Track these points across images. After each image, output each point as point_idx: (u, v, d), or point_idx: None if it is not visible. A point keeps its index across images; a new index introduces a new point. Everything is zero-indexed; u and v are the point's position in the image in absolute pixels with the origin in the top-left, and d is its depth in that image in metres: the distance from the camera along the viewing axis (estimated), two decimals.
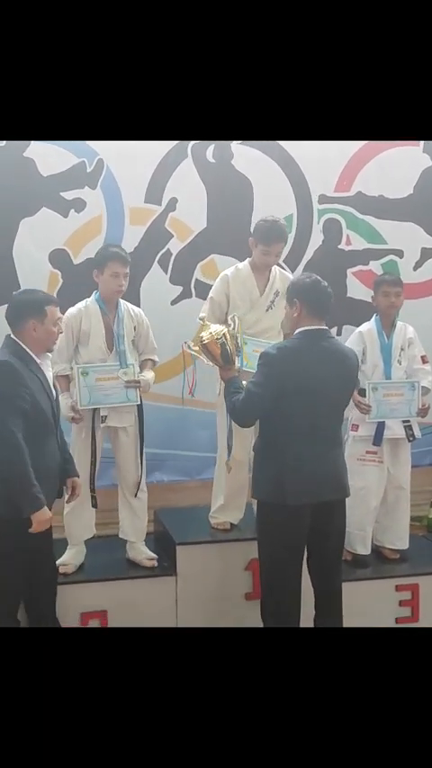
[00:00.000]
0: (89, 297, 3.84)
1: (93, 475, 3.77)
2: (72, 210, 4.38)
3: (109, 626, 3.69)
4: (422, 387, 4.09)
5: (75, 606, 3.62)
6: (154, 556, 3.91)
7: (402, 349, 4.14)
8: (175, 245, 4.59)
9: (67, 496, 3.50)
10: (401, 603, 4.03)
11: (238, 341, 3.52)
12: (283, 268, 4.54)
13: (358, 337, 4.13)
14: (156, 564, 3.89)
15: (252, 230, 3.98)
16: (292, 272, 4.70)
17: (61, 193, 4.36)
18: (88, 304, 3.78)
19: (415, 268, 4.96)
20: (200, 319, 3.52)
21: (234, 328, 3.48)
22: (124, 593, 3.76)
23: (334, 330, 3.70)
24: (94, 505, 3.82)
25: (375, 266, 4.88)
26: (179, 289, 4.61)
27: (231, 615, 3.78)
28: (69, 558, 3.80)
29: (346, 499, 3.35)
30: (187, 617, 3.80)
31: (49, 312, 3.13)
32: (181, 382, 4.55)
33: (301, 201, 4.76)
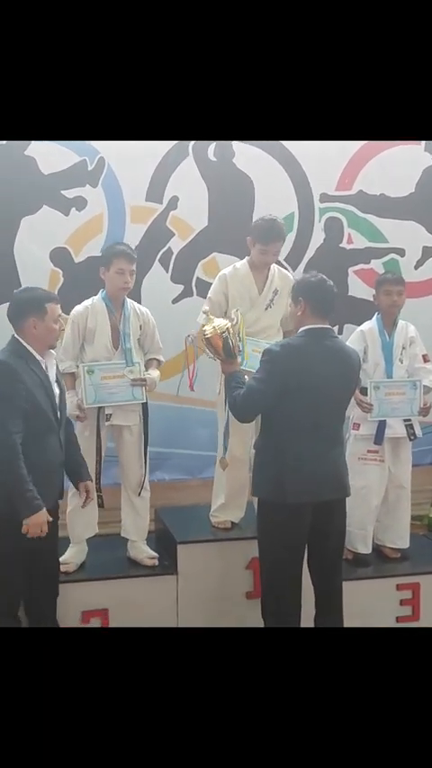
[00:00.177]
0: (90, 295, 3.84)
1: (98, 474, 3.78)
2: (73, 209, 4.38)
3: (110, 625, 3.69)
4: (424, 386, 4.09)
5: (76, 605, 3.62)
6: (155, 555, 3.91)
7: (404, 348, 4.13)
8: (176, 244, 4.59)
9: (71, 496, 3.51)
10: (402, 602, 4.03)
11: (240, 335, 3.52)
12: (284, 267, 4.54)
13: (360, 336, 4.13)
14: (156, 563, 3.89)
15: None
16: (294, 270, 4.70)
17: (62, 192, 4.36)
18: (95, 302, 3.78)
19: (416, 267, 4.96)
20: (204, 312, 3.52)
21: (237, 323, 3.48)
22: (125, 591, 3.76)
23: (335, 329, 3.70)
24: (101, 505, 3.82)
25: (377, 265, 4.88)
26: (180, 287, 4.61)
27: (232, 614, 3.78)
28: (71, 557, 3.80)
29: (347, 498, 3.35)
30: (188, 616, 3.80)
31: (49, 309, 3.13)
32: (183, 380, 4.54)
33: (302, 200, 4.76)
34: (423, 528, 4.87)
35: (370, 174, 4.83)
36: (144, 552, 3.91)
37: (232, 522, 4.05)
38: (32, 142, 4.21)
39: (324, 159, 4.73)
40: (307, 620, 3.31)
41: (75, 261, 4.40)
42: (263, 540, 3.26)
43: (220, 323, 3.36)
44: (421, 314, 4.63)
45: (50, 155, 4.29)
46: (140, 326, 3.85)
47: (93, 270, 4.01)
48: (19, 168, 4.25)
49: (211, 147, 4.56)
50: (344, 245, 4.87)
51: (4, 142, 4.15)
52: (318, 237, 4.81)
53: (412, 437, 4.14)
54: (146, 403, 3.84)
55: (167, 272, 4.59)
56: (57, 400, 3.19)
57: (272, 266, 3.96)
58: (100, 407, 3.74)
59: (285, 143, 4.64)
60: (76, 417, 3.65)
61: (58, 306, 3.20)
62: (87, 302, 3.80)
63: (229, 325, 3.36)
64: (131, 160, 4.41)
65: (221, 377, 3.85)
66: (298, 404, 3.09)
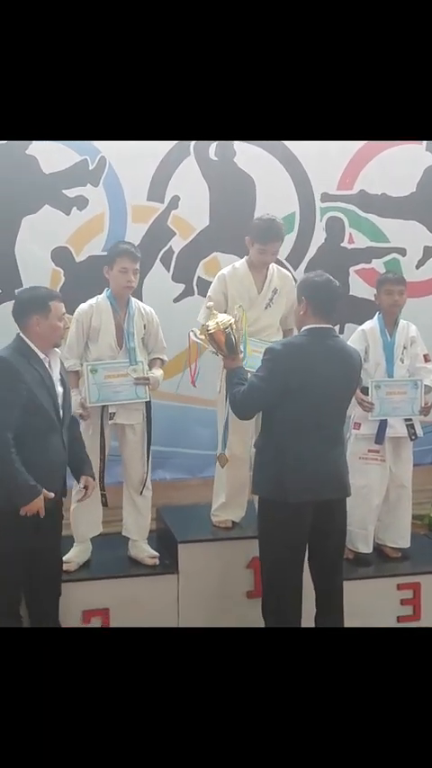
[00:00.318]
0: (91, 294, 3.84)
1: (102, 472, 3.78)
2: (74, 208, 4.38)
3: (111, 624, 3.70)
4: (425, 385, 4.09)
5: (77, 604, 3.63)
6: (156, 554, 3.92)
7: (405, 347, 4.13)
8: (177, 243, 4.59)
9: (74, 494, 3.52)
10: (403, 602, 4.03)
11: (243, 331, 3.53)
12: (285, 266, 4.55)
13: (361, 335, 4.13)
14: (157, 562, 3.89)
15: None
16: (295, 270, 4.70)
17: (63, 191, 4.36)
18: (99, 301, 3.79)
19: (417, 266, 4.95)
20: (207, 308, 3.53)
21: (239, 319, 3.48)
22: (126, 591, 3.76)
23: (336, 328, 3.70)
24: (105, 504, 3.82)
25: (378, 264, 4.88)
26: (181, 287, 4.61)
27: (233, 613, 3.78)
28: (73, 556, 3.80)
29: (348, 498, 3.35)
30: (189, 615, 3.80)
31: (52, 307, 3.15)
32: (184, 380, 4.54)
33: (303, 199, 4.75)
34: (424, 527, 4.87)
35: (371, 173, 4.82)
36: (145, 551, 3.92)
37: (233, 522, 4.05)
38: (34, 141, 4.21)
39: (325, 159, 4.72)
40: (308, 619, 3.31)
41: (76, 260, 4.40)
42: (263, 539, 3.26)
43: (224, 318, 3.37)
44: (422, 313, 4.62)
45: (52, 154, 4.29)
46: (144, 326, 3.86)
47: (94, 269, 4.01)
48: (20, 167, 4.25)
49: (213, 146, 4.56)
50: (345, 244, 4.86)
51: (5, 141, 4.15)
52: (319, 237, 4.81)
53: (413, 437, 4.14)
54: (149, 402, 3.85)
55: (169, 271, 4.59)
56: (60, 399, 3.19)
57: (271, 265, 3.95)
58: (103, 406, 3.74)
59: (287, 143, 4.63)
60: (79, 416, 3.65)
61: (62, 304, 3.22)
62: (92, 301, 3.80)
63: (233, 320, 3.36)
64: (133, 159, 4.41)
65: (222, 375, 3.86)
66: (299, 403, 3.09)
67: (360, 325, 4.24)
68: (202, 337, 3.41)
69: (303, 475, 3.10)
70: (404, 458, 4.20)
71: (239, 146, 4.59)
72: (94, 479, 3.47)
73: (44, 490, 3.05)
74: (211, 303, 3.61)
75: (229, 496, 4.03)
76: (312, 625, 3.34)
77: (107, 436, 3.81)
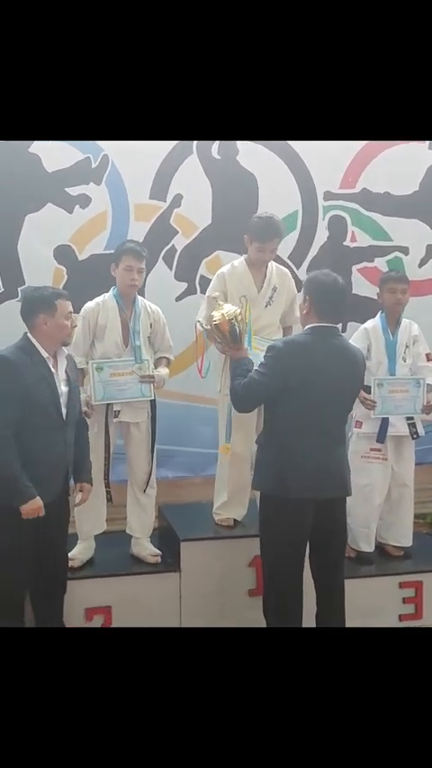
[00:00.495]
0: (94, 293, 3.85)
1: (106, 470, 3.79)
2: (77, 206, 4.38)
3: (113, 622, 3.71)
4: (427, 384, 4.09)
5: (79, 601, 3.64)
6: (158, 552, 3.93)
7: (407, 346, 4.14)
8: (179, 242, 4.59)
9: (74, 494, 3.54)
10: (405, 601, 4.04)
11: (247, 321, 3.54)
12: (287, 265, 4.55)
13: (363, 334, 4.13)
14: (159, 560, 3.90)
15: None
16: (297, 268, 4.70)
17: (66, 189, 4.36)
18: (106, 299, 3.80)
19: (420, 265, 4.96)
20: (213, 298, 3.53)
21: (243, 310, 3.50)
22: (128, 588, 3.77)
23: (339, 327, 3.71)
24: (110, 500, 3.84)
25: (380, 263, 4.88)
26: (184, 285, 4.61)
27: (234, 611, 3.79)
28: (78, 553, 3.81)
29: (350, 497, 3.35)
30: (190, 613, 3.81)
31: (59, 306, 3.16)
32: (187, 378, 4.56)
33: (306, 198, 4.76)
34: (426, 526, 4.88)
35: (374, 172, 4.83)
36: (147, 549, 3.93)
37: (235, 520, 4.05)
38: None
39: (328, 157, 4.72)
40: (309, 618, 3.31)
41: (78, 258, 4.40)
42: (265, 536, 3.27)
43: (230, 309, 3.38)
44: (425, 312, 4.63)
45: (54, 152, 4.29)
46: (151, 324, 3.86)
47: (97, 267, 4.02)
48: (23, 165, 4.26)
49: (215, 145, 4.56)
50: (348, 243, 4.86)
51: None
52: (321, 235, 4.81)
53: (415, 436, 4.14)
54: (154, 400, 3.86)
55: (171, 269, 4.60)
56: (64, 398, 3.19)
57: (270, 263, 3.95)
58: (108, 404, 3.75)
59: (290, 142, 4.63)
60: (84, 413, 3.65)
61: (69, 303, 3.23)
62: (99, 299, 3.81)
63: (238, 311, 3.38)
64: (135, 158, 4.41)
65: (222, 375, 3.87)
66: (300, 401, 3.09)
67: (362, 323, 4.24)
68: (208, 328, 3.43)
69: (305, 472, 3.10)
70: (406, 457, 4.20)
71: (242, 144, 4.59)
72: (91, 484, 3.47)
73: (38, 497, 3.07)
74: (218, 293, 3.60)
75: (231, 495, 4.03)
76: (314, 624, 3.35)
77: (112, 434, 3.82)
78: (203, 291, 4.47)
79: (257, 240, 3.81)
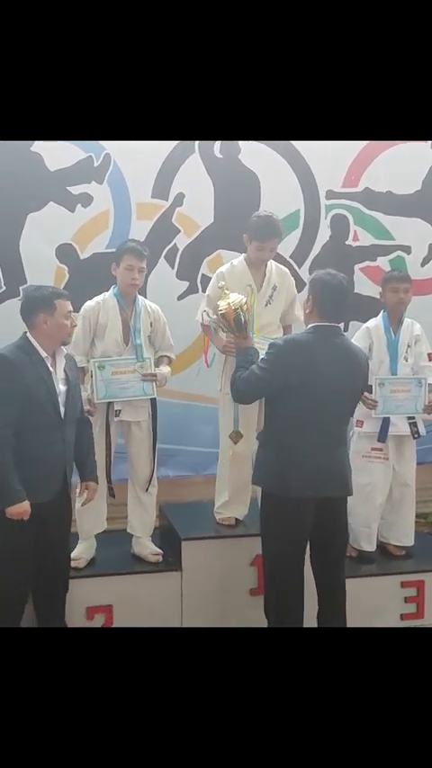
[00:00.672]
0: (95, 292, 3.85)
1: (108, 468, 3.81)
2: (79, 205, 4.38)
3: (114, 621, 3.72)
4: (429, 384, 4.08)
5: (80, 600, 3.64)
6: (159, 551, 3.93)
7: (409, 346, 4.13)
8: (181, 241, 4.59)
9: (79, 492, 3.54)
10: (407, 600, 4.05)
11: (252, 311, 3.56)
12: (289, 264, 4.54)
13: (365, 333, 4.13)
14: (161, 559, 3.91)
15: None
16: (299, 267, 4.70)
17: (68, 188, 4.36)
18: (106, 298, 3.80)
19: (423, 264, 4.95)
20: (219, 287, 3.53)
21: (249, 299, 3.51)
22: (130, 588, 3.78)
23: (341, 326, 3.71)
24: (112, 495, 3.86)
25: (383, 262, 4.88)
26: (186, 284, 4.61)
27: (236, 611, 3.80)
28: (81, 553, 3.82)
29: (352, 496, 3.35)
30: (192, 612, 3.81)
31: (58, 305, 3.17)
32: (188, 377, 4.57)
33: (308, 197, 4.75)
34: (428, 526, 4.88)
35: (376, 171, 4.82)
36: (148, 548, 3.93)
37: (236, 519, 4.05)
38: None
39: (330, 156, 4.72)
40: (310, 618, 3.32)
41: (80, 257, 4.40)
42: (265, 534, 3.28)
43: (236, 298, 3.39)
44: (427, 311, 4.62)
45: (56, 151, 4.29)
46: (151, 323, 3.86)
47: (98, 266, 4.02)
48: (25, 164, 4.26)
49: (217, 144, 4.56)
50: (350, 242, 4.86)
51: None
52: (324, 234, 4.81)
53: (416, 435, 4.14)
54: (154, 399, 3.86)
55: (173, 268, 4.60)
56: (62, 397, 3.20)
57: (269, 263, 3.95)
58: (109, 403, 3.75)
59: (292, 141, 4.63)
60: (86, 412, 3.65)
61: (69, 302, 3.23)
62: (99, 298, 3.82)
63: (244, 300, 3.40)
64: (137, 157, 4.41)
65: (223, 374, 3.88)
66: (301, 400, 3.10)
67: (365, 322, 4.24)
68: (215, 317, 3.45)
69: (305, 471, 3.11)
70: (407, 456, 4.20)
71: (244, 143, 4.59)
72: (96, 483, 3.48)
73: (26, 501, 3.08)
74: (223, 283, 3.60)
75: (233, 494, 4.04)
76: (315, 623, 3.35)
77: (113, 433, 3.83)
78: (205, 290, 4.47)
79: (256, 239, 3.81)
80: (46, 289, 3.27)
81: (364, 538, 4.15)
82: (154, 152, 4.45)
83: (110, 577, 3.79)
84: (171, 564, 3.88)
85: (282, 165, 4.67)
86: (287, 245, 4.71)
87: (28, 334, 3.19)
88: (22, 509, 3.07)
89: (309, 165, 4.71)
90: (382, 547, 4.27)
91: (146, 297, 4.21)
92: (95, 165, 4.38)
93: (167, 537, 4.12)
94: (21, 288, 4.21)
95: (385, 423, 4.06)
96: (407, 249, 4.93)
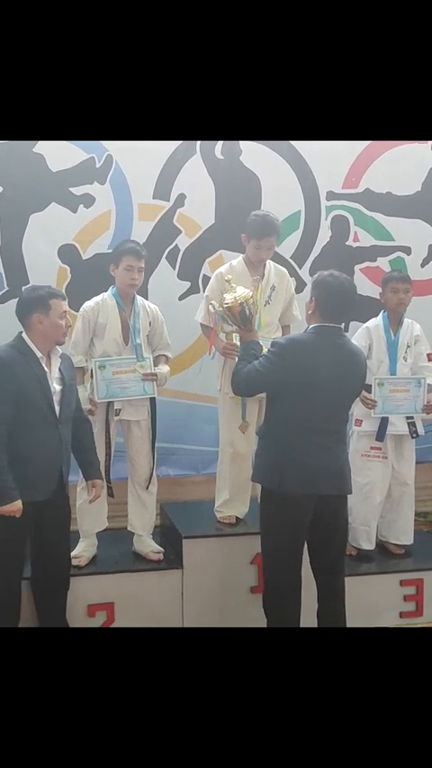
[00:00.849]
0: (97, 292, 3.87)
1: (108, 467, 3.83)
2: (81, 206, 4.41)
3: (115, 618, 3.73)
4: (428, 384, 4.10)
5: (82, 598, 3.66)
6: (160, 549, 3.95)
7: (408, 346, 4.15)
8: (183, 241, 4.62)
9: (79, 491, 3.57)
10: (406, 598, 4.06)
11: (257, 305, 3.60)
12: (290, 265, 4.57)
13: (365, 333, 4.15)
14: (162, 557, 3.92)
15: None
16: (300, 268, 4.72)
17: (70, 189, 4.39)
18: (105, 298, 3.82)
19: (422, 265, 4.98)
20: (226, 281, 3.56)
21: (255, 293, 3.54)
22: (131, 585, 3.79)
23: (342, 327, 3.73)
24: (111, 494, 3.88)
25: (383, 263, 4.90)
26: (187, 284, 4.64)
27: (236, 608, 3.81)
28: (82, 551, 3.84)
29: (351, 495, 3.37)
30: (193, 610, 3.83)
31: (53, 305, 3.18)
32: (188, 377, 4.60)
33: (308, 198, 4.78)
34: (427, 524, 4.90)
35: (376, 172, 4.85)
36: (150, 546, 3.95)
37: (237, 518, 4.07)
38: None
39: (331, 157, 4.75)
40: (310, 616, 3.34)
41: (82, 257, 4.43)
42: (264, 530, 3.29)
43: (242, 292, 3.42)
44: (426, 312, 4.64)
45: (59, 152, 4.33)
46: (150, 323, 3.88)
47: (100, 266, 4.04)
48: (28, 165, 4.29)
49: (219, 145, 4.59)
50: (350, 243, 4.89)
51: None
52: (324, 235, 4.83)
53: (414, 435, 4.16)
54: (154, 398, 3.88)
55: (174, 268, 4.62)
56: (57, 396, 3.22)
57: (268, 263, 3.97)
58: (109, 402, 3.78)
59: (292, 142, 4.66)
60: (87, 411, 3.68)
61: (64, 302, 3.25)
62: (98, 298, 3.83)
63: (250, 294, 3.43)
64: (139, 158, 4.44)
65: (222, 374, 3.90)
66: (300, 398, 3.12)
67: (364, 323, 4.25)
68: (220, 309, 3.48)
69: (302, 468, 3.13)
70: (406, 456, 4.22)
71: (245, 144, 4.62)
72: (102, 480, 3.52)
73: (19, 500, 3.10)
74: (230, 276, 3.63)
75: (233, 493, 4.05)
76: (315, 621, 3.37)
77: (113, 432, 3.85)
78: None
79: (254, 237, 3.84)
80: (42, 289, 3.28)
81: (363, 536, 4.18)
82: (156, 153, 4.48)
83: (111, 575, 3.80)
84: (172, 562, 3.90)
85: (283, 167, 4.70)
86: (288, 246, 4.74)
87: (23, 334, 3.21)
88: (14, 507, 3.10)
89: (309, 166, 4.74)
90: (382, 545, 4.29)
91: (147, 297, 4.24)
92: (97, 165, 4.41)
93: (168, 535, 4.13)
94: (23, 288, 4.24)
95: (383, 422, 4.08)
96: (407, 250, 4.95)
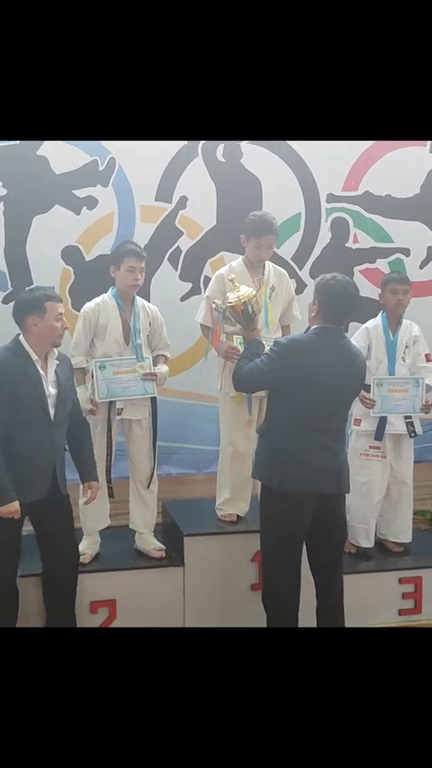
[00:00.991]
0: (101, 293, 3.90)
1: (108, 466, 3.86)
2: (84, 208, 4.45)
3: (117, 615, 3.76)
4: (426, 384, 4.13)
5: (84, 595, 3.68)
6: (162, 546, 3.98)
7: (407, 346, 4.18)
8: (184, 243, 4.65)
9: (82, 489, 3.61)
10: (405, 596, 4.09)
11: (260, 304, 3.63)
12: (290, 266, 4.60)
13: (364, 333, 4.18)
14: (164, 554, 3.95)
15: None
16: (300, 269, 4.76)
17: (74, 191, 4.43)
18: (105, 299, 3.85)
19: (421, 266, 5.02)
20: (229, 280, 3.60)
21: (258, 292, 3.57)
22: (133, 582, 3.82)
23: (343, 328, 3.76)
24: (111, 495, 3.91)
25: (382, 264, 4.94)
26: (189, 285, 4.67)
27: (237, 605, 3.84)
28: (85, 548, 3.87)
29: (350, 494, 3.41)
30: (194, 607, 3.86)
31: (48, 308, 3.19)
32: (190, 376, 4.63)
33: (309, 200, 4.82)
34: (426, 523, 4.92)
35: (376, 175, 4.88)
36: (151, 544, 3.98)
37: (237, 516, 4.09)
38: (45, 143, 4.29)
39: (331, 160, 4.79)
40: (310, 614, 3.38)
41: (86, 259, 4.46)
42: (263, 528, 3.33)
43: (246, 291, 3.45)
44: (425, 313, 4.67)
45: (62, 155, 4.37)
46: (150, 323, 3.92)
47: (103, 268, 4.07)
48: (32, 168, 4.33)
49: (220, 148, 4.63)
50: (350, 244, 4.92)
51: (18, 143, 4.23)
52: (324, 237, 4.87)
53: (412, 434, 4.19)
54: (155, 397, 3.92)
55: (176, 270, 4.66)
56: (53, 399, 3.24)
57: (267, 264, 3.99)
58: (111, 402, 3.81)
59: (293, 144, 4.70)
60: (89, 411, 3.72)
61: (60, 305, 3.26)
62: (98, 299, 3.86)
63: (253, 293, 3.47)
64: (141, 160, 4.48)
65: (222, 374, 3.94)
66: (300, 397, 3.16)
67: (364, 323, 4.26)
68: (224, 308, 3.52)
69: (301, 466, 3.16)
70: (405, 455, 4.25)
71: (246, 147, 4.66)
72: (98, 482, 3.54)
73: (16, 501, 3.14)
74: (234, 275, 3.67)
75: (234, 491, 4.08)
76: (314, 618, 3.40)
77: (114, 431, 3.88)
78: None
79: (253, 237, 3.87)
80: (38, 291, 3.30)
81: (362, 535, 4.21)
82: (158, 156, 4.52)
83: (113, 572, 3.83)
84: (174, 559, 3.92)
85: (283, 169, 4.74)
86: (288, 248, 4.78)
87: (20, 336, 3.23)
88: (12, 509, 3.13)
89: (310, 168, 4.78)
90: (381, 543, 4.32)
91: (149, 298, 4.28)
92: (100, 168, 4.45)
93: (170, 533, 4.16)
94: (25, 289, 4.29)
95: (382, 421, 4.11)
96: (406, 252, 4.99)
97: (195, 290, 4.66)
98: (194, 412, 4.68)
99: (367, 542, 4.22)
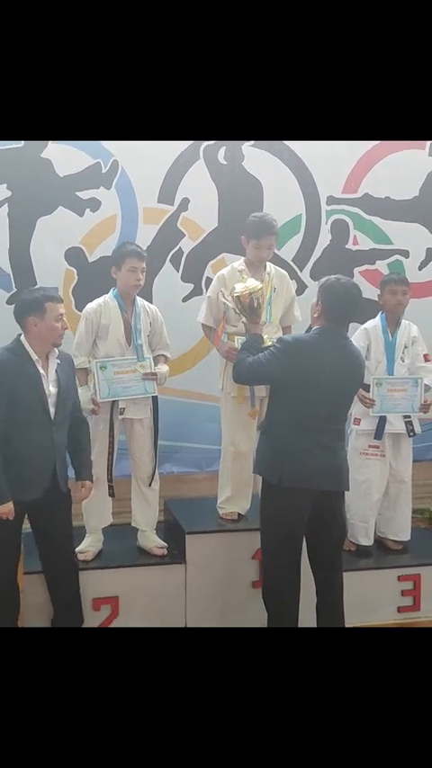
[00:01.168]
0: (104, 293, 3.94)
1: (110, 465, 3.89)
2: (87, 210, 4.48)
3: (120, 612, 3.79)
4: (425, 384, 4.16)
5: (87, 592, 3.71)
6: (164, 544, 4.01)
7: (406, 347, 4.20)
8: (186, 244, 4.68)
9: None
10: (404, 593, 4.12)
11: (266, 297, 3.68)
12: (291, 267, 4.64)
13: (363, 334, 4.21)
14: (166, 552, 3.98)
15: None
16: (300, 271, 4.79)
17: (77, 193, 4.46)
18: (107, 300, 3.88)
19: (420, 268, 5.04)
20: (239, 271, 3.64)
21: (265, 286, 3.62)
22: (135, 579, 3.85)
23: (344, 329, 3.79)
24: (112, 495, 3.94)
25: (381, 266, 4.97)
26: (190, 286, 4.70)
27: (238, 603, 3.88)
28: (88, 546, 3.91)
29: (349, 492, 3.45)
30: (195, 604, 3.89)
31: (48, 308, 3.22)
32: (192, 376, 4.67)
33: (309, 202, 4.84)
34: (425, 521, 4.95)
35: (375, 177, 4.91)
36: (153, 542, 4.01)
37: (239, 514, 4.12)
38: (48, 145, 4.33)
39: (331, 163, 4.82)
40: (310, 613, 3.41)
41: (89, 260, 4.49)
42: (263, 525, 3.36)
43: (252, 284, 3.50)
44: (424, 314, 4.70)
45: (66, 157, 4.40)
46: (150, 323, 3.95)
47: (106, 269, 4.09)
48: (36, 170, 4.36)
49: (222, 150, 4.66)
50: (350, 246, 4.95)
51: (22, 144, 4.26)
52: (324, 239, 4.89)
53: (411, 434, 4.22)
54: (156, 396, 3.95)
55: (178, 271, 4.69)
56: (53, 399, 3.26)
57: (268, 265, 4.02)
58: (113, 401, 3.84)
59: (293, 147, 4.73)
60: (91, 411, 3.76)
61: (60, 305, 3.28)
62: (100, 300, 3.90)
63: (260, 286, 3.51)
64: (144, 163, 4.51)
65: (224, 374, 3.98)
66: (300, 396, 3.19)
67: (363, 324, 4.29)
68: (230, 298, 3.56)
69: (301, 464, 3.20)
70: (404, 454, 4.28)
71: (248, 150, 4.69)
72: (92, 482, 3.55)
73: (11, 501, 3.17)
74: (243, 267, 3.69)
75: (235, 490, 4.11)
76: (314, 615, 3.44)
77: (116, 431, 3.91)
78: None
79: (254, 237, 3.90)
80: (38, 291, 3.33)
81: (361, 533, 4.24)
82: (160, 158, 4.55)
83: (116, 569, 3.86)
84: (175, 557, 3.95)
85: (284, 172, 4.76)
86: (289, 249, 4.81)
87: (21, 336, 3.26)
88: (6, 509, 3.16)
89: (310, 171, 4.80)
90: (380, 541, 4.34)
91: (151, 298, 4.30)
92: (104, 171, 4.48)
93: (172, 531, 4.18)
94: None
95: (381, 421, 4.14)
96: (405, 253, 5.02)
97: (197, 291, 4.68)
98: (196, 411, 4.71)
99: (367, 540, 4.26)
